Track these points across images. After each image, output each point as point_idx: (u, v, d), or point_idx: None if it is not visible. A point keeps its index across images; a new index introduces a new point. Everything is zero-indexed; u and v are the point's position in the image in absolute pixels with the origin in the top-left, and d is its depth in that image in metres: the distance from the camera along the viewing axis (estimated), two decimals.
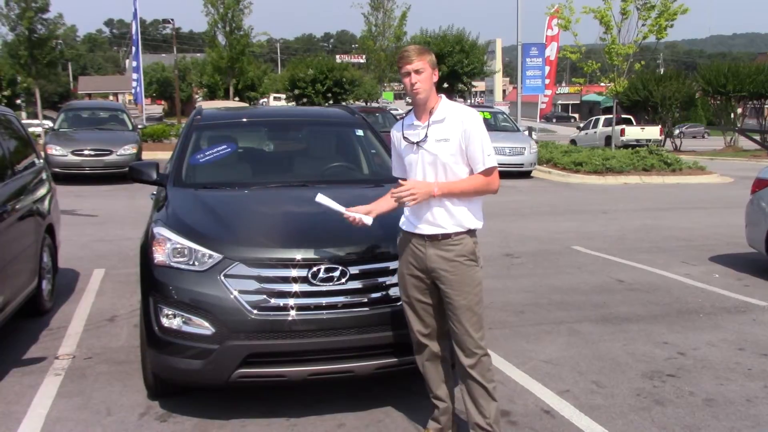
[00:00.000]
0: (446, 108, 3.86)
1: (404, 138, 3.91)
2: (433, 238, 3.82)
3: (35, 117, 35.15)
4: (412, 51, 3.79)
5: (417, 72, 3.75)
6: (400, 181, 3.85)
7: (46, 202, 6.94)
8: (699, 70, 42.10)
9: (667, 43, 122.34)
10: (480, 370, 3.84)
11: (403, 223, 3.98)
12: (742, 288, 7.81)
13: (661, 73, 46.25)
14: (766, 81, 35.29)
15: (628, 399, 4.77)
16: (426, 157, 3.80)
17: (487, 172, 3.81)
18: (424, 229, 3.83)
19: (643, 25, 23.93)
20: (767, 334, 6.18)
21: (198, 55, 67.29)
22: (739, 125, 36.87)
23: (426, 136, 3.80)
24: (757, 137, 33.89)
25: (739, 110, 38.02)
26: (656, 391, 4.91)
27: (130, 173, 5.46)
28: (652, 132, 34.15)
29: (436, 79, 3.85)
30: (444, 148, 3.77)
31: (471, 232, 3.86)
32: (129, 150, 17.02)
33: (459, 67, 41.13)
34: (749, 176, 10.81)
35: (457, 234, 3.81)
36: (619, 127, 31.88)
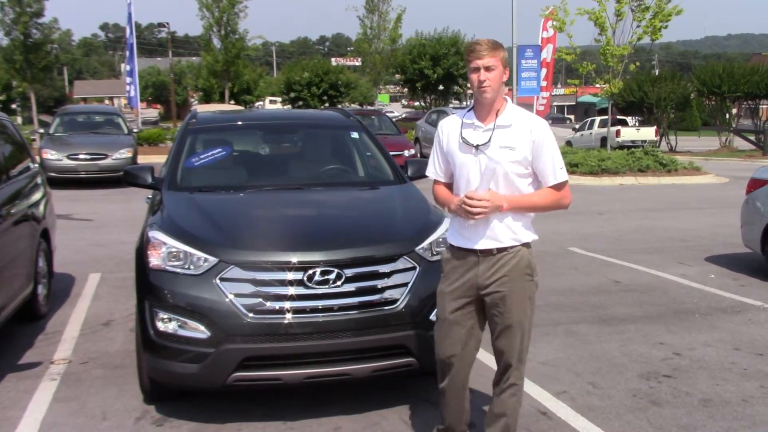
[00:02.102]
0: (513, 113, 3.57)
1: (462, 137, 3.61)
2: (487, 253, 3.56)
3: (30, 121, 35.10)
4: (483, 45, 3.47)
5: (488, 69, 3.45)
6: (471, 193, 3.47)
7: (41, 207, 6.93)
8: (694, 70, 42.20)
9: (662, 44, 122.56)
10: (507, 386, 3.71)
11: (452, 237, 3.70)
12: (738, 288, 7.82)
13: (656, 74, 46.30)
14: (760, 81, 35.35)
15: (624, 400, 4.78)
16: (486, 163, 3.50)
17: (559, 187, 3.58)
18: (479, 243, 3.56)
19: (637, 26, 23.94)
20: (763, 334, 6.20)
21: (193, 58, 67.19)
22: (734, 125, 36.95)
23: (490, 140, 3.51)
24: (752, 137, 33.99)
25: (734, 110, 38.08)
26: (652, 391, 4.92)
27: (124, 177, 5.46)
28: (648, 133, 34.22)
29: (505, 78, 3.56)
30: (508, 157, 3.49)
31: (527, 244, 3.63)
32: (124, 154, 17.00)
33: (454, 69, 41.07)
34: (744, 176, 10.83)
35: (512, 247, 3.57)
36: (614, 128, 31.93)
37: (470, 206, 3.44)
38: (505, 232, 3.55)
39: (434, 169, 3.83)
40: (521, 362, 3.70)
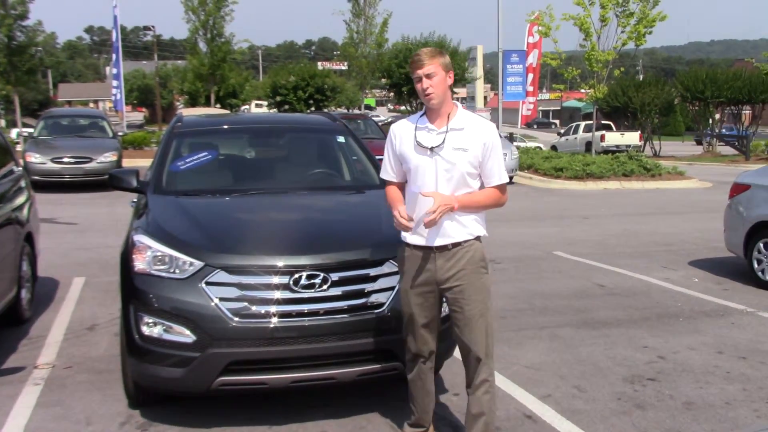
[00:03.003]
0: (465, 117, 3.78)
1: (416, 140, 3.78)
2: (442, 249, 3.76)
3: (14, 125, 34.86)
4: (423, 54, 3.67)
5: (428, 76, 3.65)
6: (421, 193, 3.65)
7: (25, 210, 6.88)
8: (677, 76, 42.53)
9: (646, 50, 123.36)
10: (480, 381, 3.82)
11: (407, 236, 3.85)
12: (721, 292, 7.88)
13: (641, 79, 46.65)
14: (743, 87, 35.72)
15: (609, 403, 4.80)
16: (442, 165, 3.70)
17: (502, 187, 3.82)
18: (434, 240, 3.75)
19: (622, 31, 24.18)
20: (746, 338, 6.25)
21: (179, 62, 67.01)
22: (717, 130, 37.28)
23: (444, 141, 3.70)
24: (735, 142, 34.31)
25: (717, 116, 38.43)
26: (637, 395, 4.95)
27: (110, 181, 5.42)
28: (632, 138, 34.49)
29: (450, 82, 3.74)
30: (462, 158, 3.69)
31: (478, 238, 3.83)
32: (109, 157, 16.91)
33: None
34: (728, 181, 10.93)
35: (466, 241, 3.77)
36: (599, 133, 32.13)
37: (432, 216, 3.57)
38: (457, 229, 3.76)
39: (387, 171, 4.01)
40: (489, 356, 3.83)
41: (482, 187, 3.83)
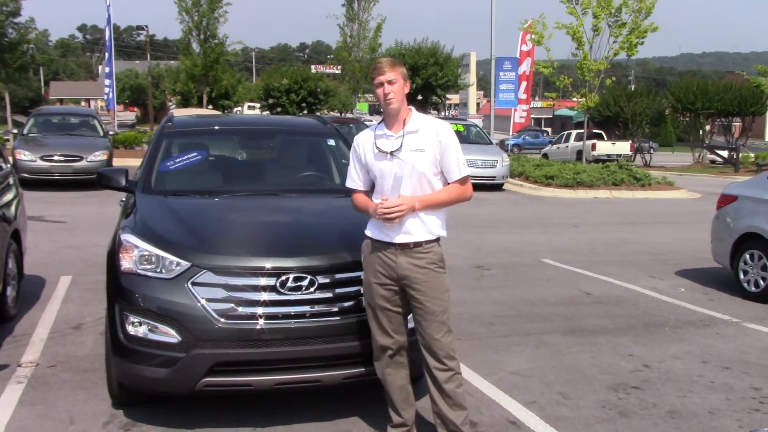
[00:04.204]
0: (419, 120, 3.97)
1: (377, 147, 3.96)
2: (404, 247, 3.90)
3: (4, 122, 34.67)
4: (384, 63, 3.92)
5: (390, 83, 3.87)
6: (383, 198, 3.86)
7: (13, 208, 6.85)
8: (669, 87, 42.74)
9: (638, 60, 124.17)
10: (449, 376, 3.93)
11: (371, 231, 4.01)
12: (707, 302, 7.92)
13: (632, 89, 46.86)
14: (733, 99, 35.92)
15: (593, 410, 4.82)
16: (402, 167, 3.87)
17: (462, 181, 3.97)
18: (396, 237, 3.89)
19: (614, 41, 24.29)
20: (730, 348, 6.29)
21: (172, 62, 66.85)
22: (707, 142, 37.48)
23: (401, 145, 3.89)
24: (725, 154, 34.48)
25: (708, 127, 38.63)
26: (621, 402, 4.96)
27: (98, 179, 5.40)
28: (623, 147, 34.64)
29: (407, 90, 3.96)
30: (420, 158, 3.87)
31: (438, 240, 3.97)
32: (99, 156, 16.82)
33: (433, 80, 41.27)
34: (716, 192, 10.99)
35: (427, 242, 3.92)
36: (590, 142, 32.25)
37: (387, 213, 3.78)
38: (419, 228, 3.90)
39: (353, 180, 4.13)
40: (454, 351, 3.96)
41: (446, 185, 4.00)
